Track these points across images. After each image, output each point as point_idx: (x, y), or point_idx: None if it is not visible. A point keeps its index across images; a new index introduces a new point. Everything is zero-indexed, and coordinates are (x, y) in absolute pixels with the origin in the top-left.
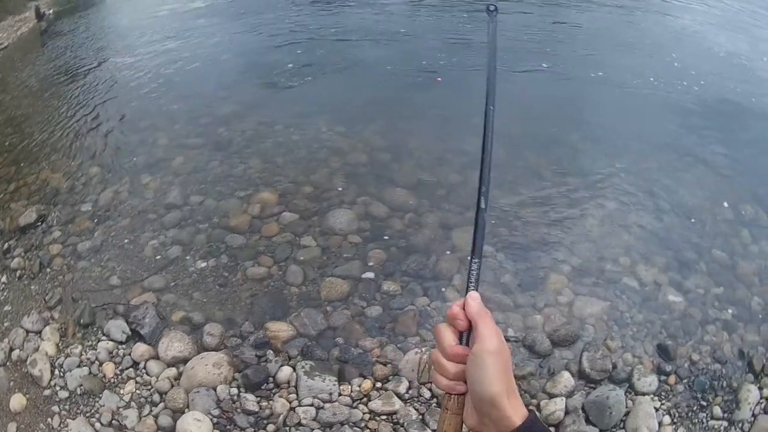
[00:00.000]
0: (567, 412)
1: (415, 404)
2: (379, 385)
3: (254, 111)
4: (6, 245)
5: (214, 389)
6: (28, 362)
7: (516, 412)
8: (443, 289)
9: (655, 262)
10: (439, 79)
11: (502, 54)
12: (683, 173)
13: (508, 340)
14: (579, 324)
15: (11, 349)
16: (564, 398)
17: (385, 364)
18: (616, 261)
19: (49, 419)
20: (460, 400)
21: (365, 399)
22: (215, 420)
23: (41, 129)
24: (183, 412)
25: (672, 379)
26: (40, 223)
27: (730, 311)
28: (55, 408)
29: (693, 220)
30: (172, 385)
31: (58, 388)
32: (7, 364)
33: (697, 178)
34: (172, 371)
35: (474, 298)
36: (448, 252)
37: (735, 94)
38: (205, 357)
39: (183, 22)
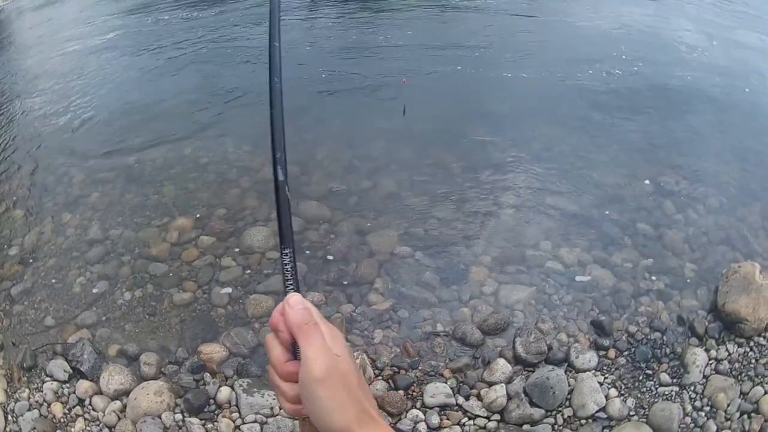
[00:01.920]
0: (509, 398)
1: None
2: None
3: (162, 139)
4: None
5: (159, 417)
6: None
7: None
8: (366, 294)
9: (577, 243)
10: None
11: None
12: (597, 153)
13: (437, 335)
14: (507, 311)
15: None
16: (504, 384)
17: None
18: (537, 246)
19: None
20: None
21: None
22: None
23: None
24: None
25: (612, 353)
26: None
27: (663, 281)
28: None
29: (612, 198)
30: (119, 418)
31: None
32: None
33: (612, 156)
34: (117, 404)
35: (292, 304)
36: (367, 257)
37: (637, 74)
38: (145, 387)
39: (87, 58)
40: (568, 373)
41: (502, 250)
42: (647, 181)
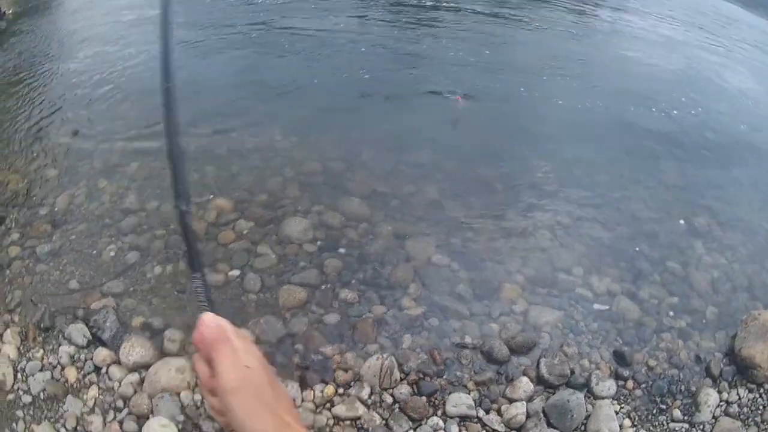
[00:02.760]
0: (528, 416)
1: (378, 409)
2: (341, 390)
3: (208, 120)
4: None
5: (178, 395)
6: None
7: None
8: (400, 298)
9: (608, 273)
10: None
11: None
12: (636, 187)
13: (465, 347)
14: (535, 332)
15: None
16: (524, 402)
17: (346, 370)
18: (569, 271)
19: (14, 424)
20: None
21: (328, 404)
22: (180, 426)
23: (2, 131)
24: (147, 418)
25: (630, 383)
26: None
27: (685, 319)
28: (19, 413)
29: (646, 233)
30: (136, 391)
31: (21, 392)
32: None
33: (651, 192)
34: (135, 376)
35: (206, 322)
36: (404, 261)
37: (691, 116)
38: (167, 362)
39: (143, 29)
40: (587, 398)
41: (536, 271)
42: (681, 221)
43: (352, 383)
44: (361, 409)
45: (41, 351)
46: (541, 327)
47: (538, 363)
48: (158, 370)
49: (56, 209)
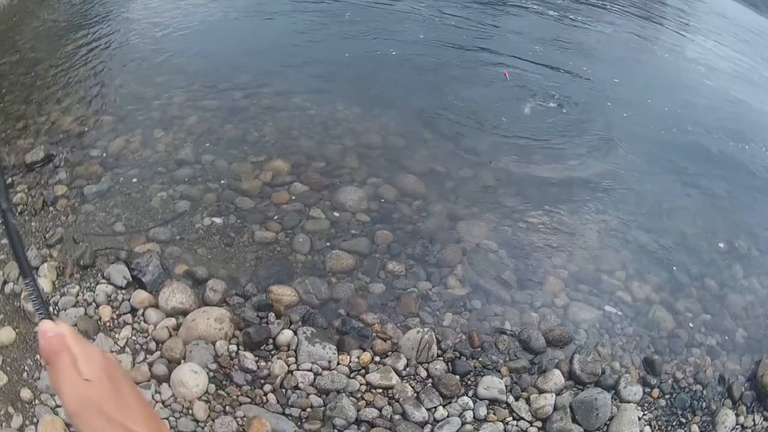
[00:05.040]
0: (555, 409)
1: (412, 382)
2: (377, 359)
3: (273, 82)
4: (9, 180)
5: (213, 344)
6: (22, 297)
7: None
8: (446, 276)
9: (649, 280)
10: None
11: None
12: (685, 202)
13: (503, 332)
14: (573, 327)
15: (5, 282)
16: (554, 395)
17: (385, 340)
18: (612, 273)
19: (38, 355)
20: None
21: (363, 371)
22: (212, 374)
23: (55, 72)
24: (179, 363)
25: (655, 392)
26: (47, 163)
27: (715, 338)
28: None
29: (689, 248)
30: (170, 335)
31: None
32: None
33: (698, 208)
34: (171, 321)
35: (43, 332)
36: (453, 242)
37: (746, 140)
38: (207, 311)
39: None
40: (613, 400)
41: (580, 269)
42: (722, 244)
43: (389, 353)
44: (394, 379)
45: (77, 287)
46: (579, 323)
47: (572, 358)
48: (196, 318)
49: (108, 153)
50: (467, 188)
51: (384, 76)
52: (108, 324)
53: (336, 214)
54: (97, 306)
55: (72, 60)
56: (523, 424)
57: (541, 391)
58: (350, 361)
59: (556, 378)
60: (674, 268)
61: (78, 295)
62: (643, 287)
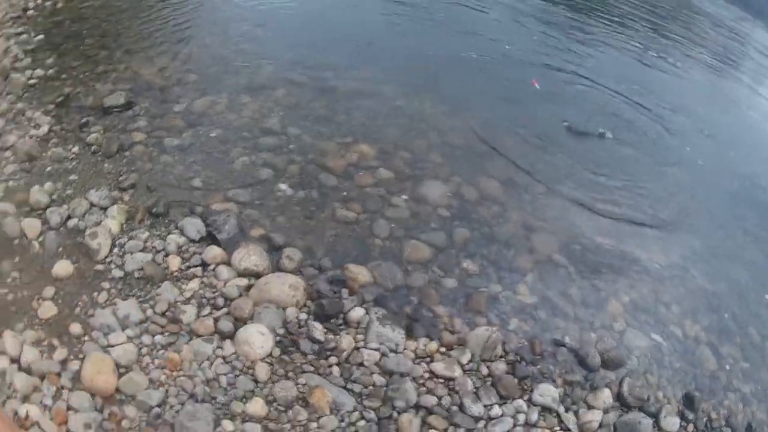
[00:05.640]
0: (600, 426)
1: (473, 377)
2: (443, 350)
3: (365, 68)
4: (85, 119)
5: (284, 309)
6: (86, 233)
7: None
8: (516, 283)
9: (699, 320)
10: (535, 82)
11: None
12: (744, 251)
13: (563, 345)
14: (626, 352)
15: (69, 217)
16: (601, 413)
17: (452, 333)
18: (669, 307)
19: (95, 293)
20: None
21: (428, 359)
22: (278, 338)
23: (139, 23)
24: (245, 323)
25: (690, 427)
26: (126, 109)
27: (750, 387)
28: (105, 284)
29: (740, 295)
30: (241, 295)
31: (113, 266)
32: (60, 229)
33: (755, 260)
34: (243, 281)
35: None
36: (526, 252)
37: None
38: (282, 277)
39: None
40: (653, 427)
41: (640, 298)
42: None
43: (455, 346)
44: (457, 372)
45: (146, 234)
46: (632, 349)
47: (622, 381)
48: (270, 282)
49: (193, 110)
50: (545, 203)
51: (471, 81)
52: (175, 274)
53: (417, 205)
54: (167, 255)
55: (157, 12)
56: None
57: (590, 407)
58: (417, 348)
59: (606, 397)
60: (724, 313)
61: (147, 241)
62: (693, 326)
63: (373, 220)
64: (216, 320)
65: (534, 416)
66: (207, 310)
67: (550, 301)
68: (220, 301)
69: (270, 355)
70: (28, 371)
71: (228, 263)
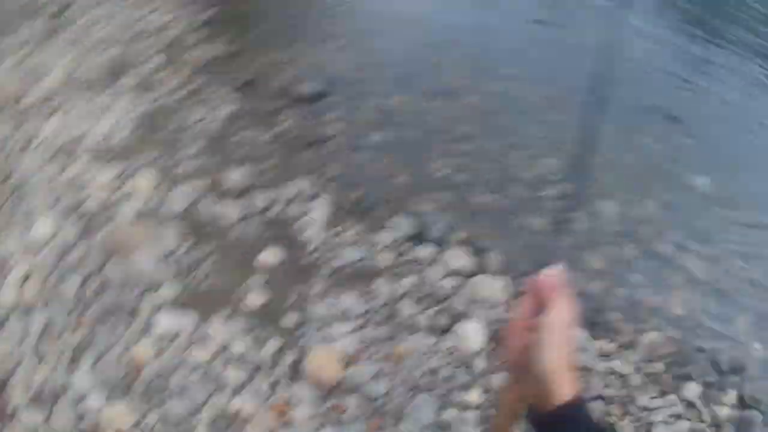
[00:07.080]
0: (728, 420)
1: (641, 374)
2: (620, 349)
3: (552, 84)
4: (275, 105)
5: (494, 308)
6: (294, 223)
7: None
8: (670, 297)
9: None
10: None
11: None
12: None
13: (703, 351)
14: (749, 361)
15: (271, 204)
16: (729, 408)
17: (625, 335)
18: None
19: (308, 285)
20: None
21: (606, 357)
22: (489, 335)
23: (332, 12)
24: (460, 319)
25: None
26: (318, 99)
27: None
28: (318, 276)
29: None
30: (454, 293)
31: (324, 258)
32: (263, 216)
33: None
34: (455, 280)
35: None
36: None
37: None
38: (492, 278)
39: None
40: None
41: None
42: None
43: (627, 347)
44: (628, 369)
45: (356, 228)
46: (754, 359)
47: (744, 386)
48: (481, 282)
49: (387, 107)
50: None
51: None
52: (389, 270)
53: (595, 219)
54: (380, 250)
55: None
56: (702, 426)
57: (721, 404)
58: (601, 347)
59: (732, 397)
60: None
61: (357, 235)
62: None
63: (558, 233)
64: (433, 316)
65: (681, 409)
66: (423, 305)
67: (695, 316)
68: (435, 298)
69: (484, 349)
70: (239, 361)
71: (439, 262)
